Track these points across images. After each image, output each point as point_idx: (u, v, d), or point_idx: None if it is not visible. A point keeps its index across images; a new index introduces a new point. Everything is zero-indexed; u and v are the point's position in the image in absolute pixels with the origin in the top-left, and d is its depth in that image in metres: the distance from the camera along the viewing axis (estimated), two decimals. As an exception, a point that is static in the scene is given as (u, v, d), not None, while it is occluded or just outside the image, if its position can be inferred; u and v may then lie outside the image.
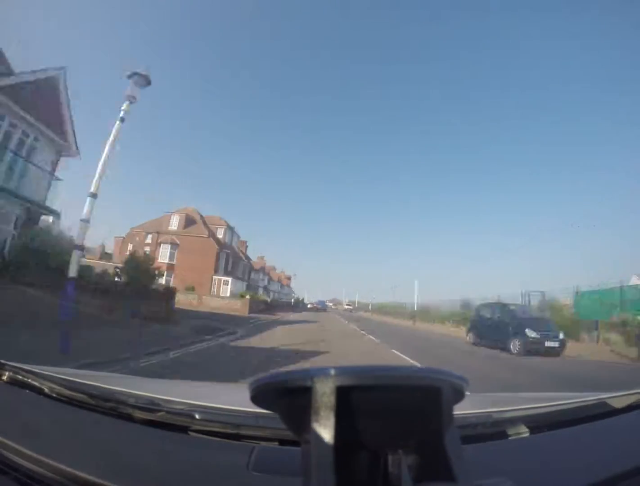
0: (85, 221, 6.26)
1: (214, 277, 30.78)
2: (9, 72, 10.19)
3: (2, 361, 1.02)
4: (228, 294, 29.29)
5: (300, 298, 79.94)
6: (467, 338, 14.27)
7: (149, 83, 6.74)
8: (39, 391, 0.93)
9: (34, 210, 11.06)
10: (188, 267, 28.72)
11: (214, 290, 29.96)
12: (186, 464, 0.68)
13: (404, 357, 8.43)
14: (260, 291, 44.72)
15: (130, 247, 27.54)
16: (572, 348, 11.45)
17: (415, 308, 38.45)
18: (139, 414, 0.83)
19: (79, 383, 0.99)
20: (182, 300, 20.66)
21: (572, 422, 0.92)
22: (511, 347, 10.91)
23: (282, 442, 0.73)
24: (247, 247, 45.31)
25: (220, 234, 34.27)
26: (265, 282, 53.96)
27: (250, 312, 23.74)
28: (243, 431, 0.77)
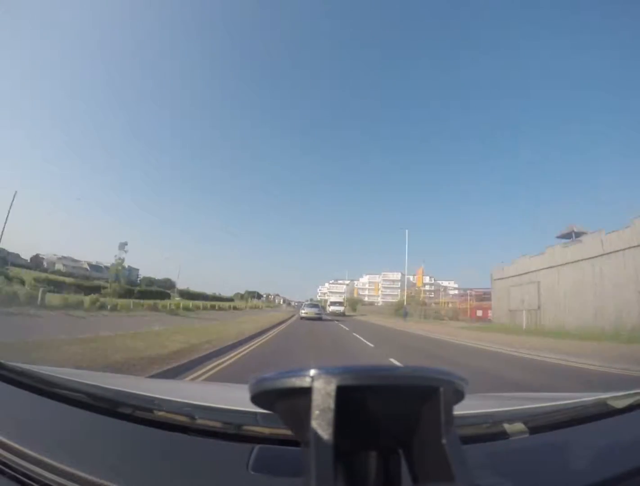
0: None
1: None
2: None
3: (2, 361, 1.02)
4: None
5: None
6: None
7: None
8: (39, 391, 0.93)
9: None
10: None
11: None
12: (186, 464, 0.68)
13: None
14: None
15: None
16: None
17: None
18: (139, 414, 0.83)
19: (79, 383, 0.99)
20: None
21: (572, 422, 0.92)
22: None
23: (282, 442, 0.73)
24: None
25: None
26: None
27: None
28: (243, 431, 0.77)
